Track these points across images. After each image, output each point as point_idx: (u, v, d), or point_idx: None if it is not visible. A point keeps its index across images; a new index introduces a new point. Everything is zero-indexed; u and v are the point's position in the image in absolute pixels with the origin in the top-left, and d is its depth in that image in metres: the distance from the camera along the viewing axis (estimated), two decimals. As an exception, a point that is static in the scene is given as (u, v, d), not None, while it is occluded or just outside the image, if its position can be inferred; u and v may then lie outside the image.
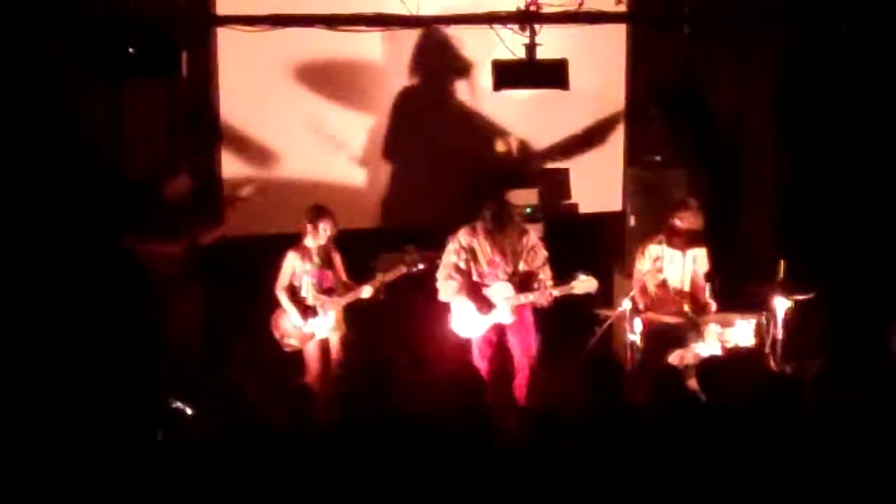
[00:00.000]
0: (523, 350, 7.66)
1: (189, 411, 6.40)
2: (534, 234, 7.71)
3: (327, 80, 8.64)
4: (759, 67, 8.88)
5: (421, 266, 7.59)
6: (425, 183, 8.88)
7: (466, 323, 7.64)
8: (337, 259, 7.69)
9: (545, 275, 7.53)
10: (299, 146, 8.64)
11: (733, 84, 9.09)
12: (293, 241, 7.63)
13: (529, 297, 7.50)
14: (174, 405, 6.51)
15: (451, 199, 8.59)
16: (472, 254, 7.55)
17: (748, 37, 8.86)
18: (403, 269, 7.59)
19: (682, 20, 8.55)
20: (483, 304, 7.54)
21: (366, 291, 7.54)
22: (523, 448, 5.30)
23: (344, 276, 7.71)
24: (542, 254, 7.61)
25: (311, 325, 7.58)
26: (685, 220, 7.73)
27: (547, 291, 7.44)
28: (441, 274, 7.61)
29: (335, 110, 8.73)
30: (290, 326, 7.58)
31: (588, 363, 5.90)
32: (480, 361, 7.63)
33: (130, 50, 6.65)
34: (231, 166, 8.53)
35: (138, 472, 5.13)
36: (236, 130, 8.53)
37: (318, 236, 7.52)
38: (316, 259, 7.58)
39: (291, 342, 7.61)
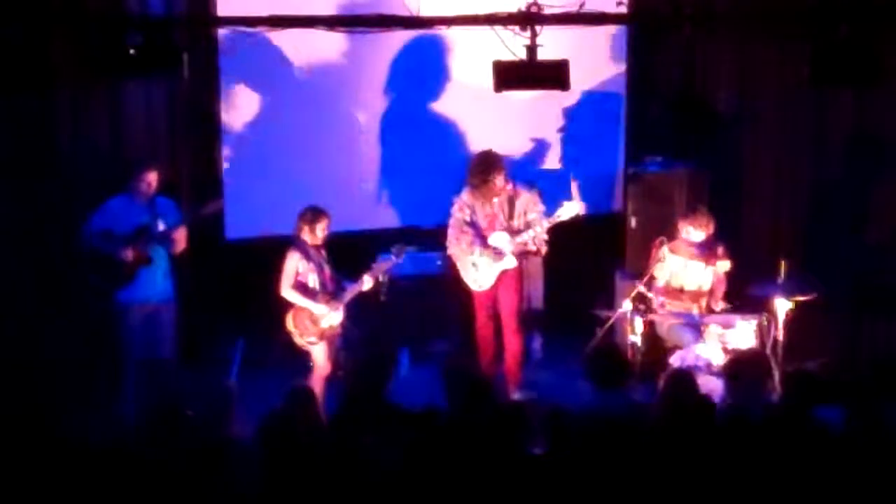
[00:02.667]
0: (509, 313, 7.94)
1: (189, 412, 6.38)
2: (528, 193, 7.93)
3: (327, 80, 8.64)
4: (761, 67, 8.86)
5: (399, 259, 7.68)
6: (427, 184, 8.87)
7: (477, 276, 7.93)
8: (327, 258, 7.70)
9: (540, 228, 7.80)
10: (299, 146, 8.64)
11: (734, 84, 9.07)
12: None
13: (524, 237, 7.79)
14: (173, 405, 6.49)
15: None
16: (472, 209, 7.91)
17: (749, 36, 8.84)
18: (394, 259, 7.67)
19: (682, 20, 8.53)
20: (493, 252, 7.84)
21: (366, 283, 7.58)
22: (528, 447, 5.32)
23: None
24: (539, 207, 7.88)
25: (330, 318, 7.56)
26: (692, 234, 7.81)
27: (538, 228, 7.77)
28: (451, 234, 7.97)
29: (335, 110, 8.74)
30: (309, 323, 7.54)
31: (594, 361, 5.89)
32: (484, 330, 8.00)
33: (130, 50, 6.63)
34: (231, 166, 8.54)
35: (139, 471, 5.14)
36: (236, 130, 8.54)
37: (315, 237, 7.53)
38: (315, 257, 7.58)
39: (311, 339, 7.57)
